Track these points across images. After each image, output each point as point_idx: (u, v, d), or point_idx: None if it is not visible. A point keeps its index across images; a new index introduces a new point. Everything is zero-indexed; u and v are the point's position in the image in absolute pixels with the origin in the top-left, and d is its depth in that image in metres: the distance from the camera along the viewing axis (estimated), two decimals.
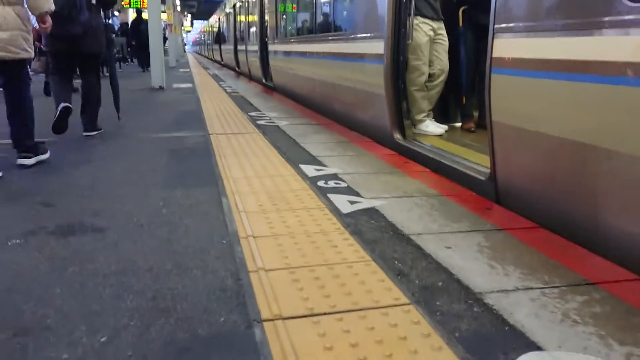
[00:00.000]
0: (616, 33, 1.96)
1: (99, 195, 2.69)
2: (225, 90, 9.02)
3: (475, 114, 4.78)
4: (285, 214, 2.35)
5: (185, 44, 58.20)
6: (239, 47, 15.24)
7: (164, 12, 25.43)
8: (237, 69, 16.56)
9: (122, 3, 25.20)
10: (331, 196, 2.63)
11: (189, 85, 10.21)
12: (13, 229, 2.16)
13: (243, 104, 6.95)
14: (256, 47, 11.39)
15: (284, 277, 1.69)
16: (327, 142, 4.21)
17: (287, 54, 8.05)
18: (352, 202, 2.53)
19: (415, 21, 4.16)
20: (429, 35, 4.35)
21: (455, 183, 3.00)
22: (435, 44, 4.45)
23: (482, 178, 2.96)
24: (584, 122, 2.16)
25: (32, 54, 3.26)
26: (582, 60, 2.13)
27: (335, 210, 2.42)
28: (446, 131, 4.56)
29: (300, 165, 3.32)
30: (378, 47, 4.21)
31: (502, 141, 2.73)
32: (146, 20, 13.68)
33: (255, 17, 11.44)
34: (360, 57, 4.64)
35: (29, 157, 3.26)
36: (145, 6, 19.43)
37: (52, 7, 3.20)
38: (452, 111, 5.03)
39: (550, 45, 2.31)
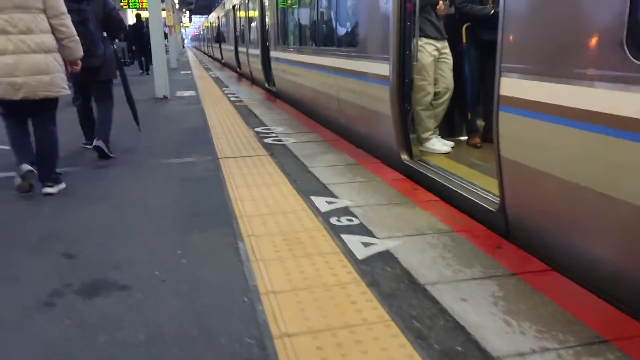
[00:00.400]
0: (619, 88, 2.00)
1: (117, 242, 2.76)
2: (228, 99, 9.05)
3: (481, 124, 4.84)
4: (301, 261, 2.40)
5: (184, 39, 58.05)
6: (239, 49, 15.23)
7: (164, 9, 25.40)
8: (238, 69, 16.56)
9: (121, 4, 25.19)
10: (345, 237, 2.68)
11: (193, 93, 10.25)
12: (39, 288, 2.23)
13: (248, 116, 6.99)
14: (257, 52, 11.40)
15: (308, 344, 1.75)
16: (335, 164, 4.26)
17: (290, 62, 8.07)
18: (366, 245, 2.58)
19: (420, 42, 4.19)
20: (433, 55, 4.38)
21: (464, 214, 3.05)
22: (439, 63, 4.47)
23: (492, 209, 3.01)
24: (589, 169, 2.21)
25: (68, 91, 3.78)
26: (586, 110, 2.17)
27: (350, 254, 2.47)
28: (452, 147, 4.60)
29: (311, 197, 3.37)
30: (383, 68, 4.24)
31: (511, 176, 2.77)
32: (146, 23, 13.68)
33: (256, 21, 11.43)
34: (365, 76, 4.67)
35: (52, 187, 3.66)
36: (144, 6, 19.43)
37: (82, 54, 3.76)
38: (457, 125, 5.06)
39: (556, 91, 2.35)
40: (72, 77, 4.17)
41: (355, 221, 2.93)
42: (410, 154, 4.27)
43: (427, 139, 4.52)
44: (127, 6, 24.36)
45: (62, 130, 3.87)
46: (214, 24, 26.13)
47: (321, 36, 6.49)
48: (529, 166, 2.60)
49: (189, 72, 17.19)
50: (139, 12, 20.18)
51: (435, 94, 4.50)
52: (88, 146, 5.06)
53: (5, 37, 3.29)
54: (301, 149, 4.86)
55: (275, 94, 9.95)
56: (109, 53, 4.76)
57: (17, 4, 3.30)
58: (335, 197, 3.38)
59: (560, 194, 2.42)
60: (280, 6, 8.81)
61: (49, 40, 3.47)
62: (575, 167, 2.30)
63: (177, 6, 29.66)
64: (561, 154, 2.39)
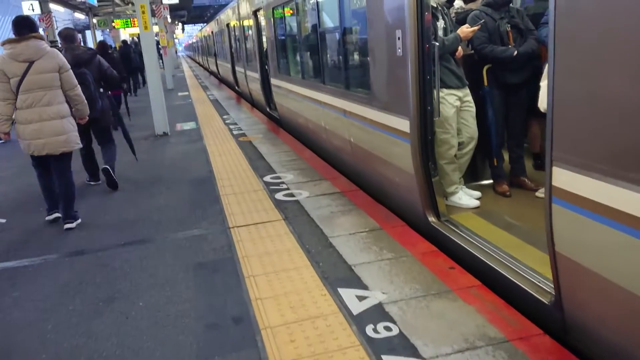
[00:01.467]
0: None
1: None
2: (231, 132, 8.72)
3: (507, 167, 4.53)
4: None
5: (177, 50, 57.78)
6: (237, 68, 14.90)
7: (156, 25, 25.04)
8: (236, 87, 16.24)
9: (113, 24, 24.90)
10: (387, 359, 2.36)
11: (193, 125, 9.92)
12: None
13: (254, 158, 6.66)
14: (257, 75, 11.06)
15: None
16: (357, 230, 3.93)
17: (293, 94, 7.73)
18: None
19: (441, 94, 3.86)
20: (455, 106, 4.05)
21: (515, 310, 2.72)
22: (462, 112, 4.14)
23: (545, 301, 2.69)
24: None
25: (81, 145, 4.79)
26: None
27: None
28: (479, 199, 4.28)
29: (339, 289, 3.05)
30: (403, 124, 3.91)
31: (568, 274, 2.45)
32: (133, 45, 13.23)
33: (254, 43, 11.09)
34: (383, 127, 4.33)
35: (72, 222, 4.59)
36: (136, 25, 19.07)
37: (89, 112, 4.84)
38: (480, 168, 4.73)
39: (619, 195, 2.03)
40: (76, 125, 4.83)
41: (394, 330, 2.60)
42: (437, 214, 3.95)
43: (453, 193, 4.20)
44: (119, 26, 24.11)
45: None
46: (208, 38, 25.76)
47: (329, 72, 6.15)
48: (589, 269, 2.28)
49: (187, 93, 16.86)
50: (127, 36, 19.81)
51: (459, 144, 4.17)
52: (92, 182, 6.05)
53: (32, 109, 4.32)
54: (316, 207, 4.53)
55: (278, 122, 9.62)
56: (105, 105, 5.66)
57: (40, 85, 4.31)
58: (366, 287, 3.06)
59: (624, 302, 2.11)
60: (278, 32, 8.46)
61: (64, 108, 4.50)
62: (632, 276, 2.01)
63: (169, 20, 29.33)
64: (626, 264, 2.07)
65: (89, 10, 26.77)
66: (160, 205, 5.08)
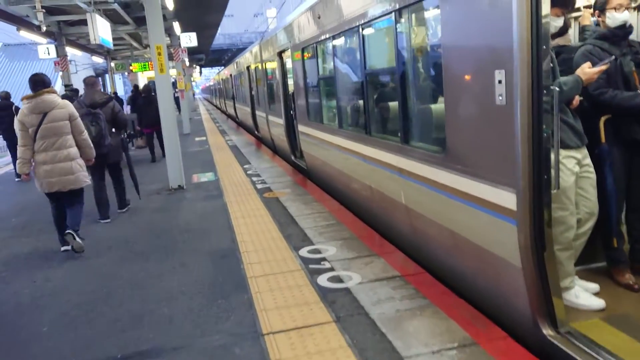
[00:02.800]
0: None
1: None
2: (254, 186, 7.72)
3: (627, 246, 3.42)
4: None
5: (194, 93, 58.10)
6: (257, 112, 14.08)
7: (173, 69, 24.68)
8: (255, 132, 15.41)
9: (130, 67, 24.61)
10: None
11: (212, 176, 8.95)
12: None
13: (285, 222, 5.61)
14: (281, 121, 10.16)
15: None
16: (443, 347, 2.82)
17: (327, 144, 6.75)
18: None
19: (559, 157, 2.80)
20: (575, 172, 2.99)
21: None
22: (580, 179, 3.07)
23: None
24: None
25: (89, 182, 5.37)
26: None
27: None
28: (597, 294, 3.16)
29: None
30: (506, 198, 2.84)
31: None
32: (144, 92, 12.33)
33: (278, 86, 10.24)
34: (466, 198, 3.27)
35: (76, 238, 5.07)
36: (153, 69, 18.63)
37: (94, 154, 5.42)
38: (591, 249, 3.60)
39: None
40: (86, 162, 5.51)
41: None
42: (554, 323, 2.82)
43: (567, 288, 3.09)
44: (136, 70, 23.77)
45: None
46: (227, 81, 25.27)
47: (378, 122, 5.15)
48: None
49: (204, 138, 16.06)
50: (144, 80, 19.35)
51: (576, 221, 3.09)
52: (103, 220, 6.39)
53: (46, 153, 4.96)
54: (375, 302, 3.43)
55: (305, 173, 8.62)
56: (115, 142, 6.42)
57: (53, 132, 4.97)
58: None
59: None
60: (309, 73, 7.54)
61: (73, 151, 5.11)
62: None
63: (187, 63, 29.10)
64: None
65: (107, 54, 26.62)
66: (172, 290, 4.01)
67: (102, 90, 6.93)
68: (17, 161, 5.11)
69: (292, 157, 9.88)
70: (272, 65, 10.80)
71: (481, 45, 2.95)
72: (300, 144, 8.73)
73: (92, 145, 5.37)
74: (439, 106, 3.75)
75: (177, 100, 27.73)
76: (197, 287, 4.02)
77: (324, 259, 4.34)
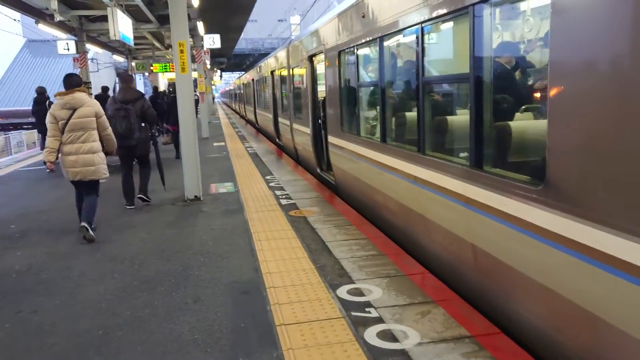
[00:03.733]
0: None
1: None
2: (278, 201, 6.95)
3: None
4: None
5: (214, 97, 57.83)
6: (280, 119, 13.37)
7: (195, 71, 24.14)
8: (277, 140, 14.70)
9: (151, 68, 24.14)
10: None
11: (231, 187, 8.21)
12: None
13: (315, 245, 4.84)
14: (307, 130, 9.41)
15: None
16: None
17: (364, 159, 5.96)
18: None
19: None
20: None
21: None
22: None
23: None
24: None
25: (108, 175, 5.77)
26: None
27: None
28: None
29: None
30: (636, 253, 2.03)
31: None
32: (172, 90, 12.00)
33: (305, 92, 9.51)
34: (578, 249, 2.45)
35: (88, 229, 5.47)
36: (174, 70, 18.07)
37: (116, 147, 5.97)
38: None
39: None
40: (117, 151, 6.19)
41: None
42: None
43: None
44: (157, 70, 23.28)
45: None
46: (248, 86, 24.65)
47: (436, 139, 4.36)
48: None
49: (223, 143, 15.38)
50: (165, 82, 18.78)
51: None
52: (128, 206, 6.94)
53: (72, 145, 5.48)
54: None
55: (333, 188, 7.84)
56: (143, 136, 6.76)
57: (81, 127, 5.50)
58: None
59: None
60: (346, 80, 6.78)
61: (96, 145, 5.59)
62: None
63: (208, 65, 28.60)
64: None
65: (129, 53, 26.21)
66: (182, 337, 3.23)
67: (136, 88, 7.41)
68: (45, 150, 5.66)
69: (318, 170, 9.11)
70: (301, 70, 10.07)
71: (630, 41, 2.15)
72: (328, 157, 7.96)
73: (114, 140, 5.90)
74: (533, 124, 2.95)
75: (196, 102, 27.31)
76: (213, 335, 3.24)
77: (368, 304, 3.54)
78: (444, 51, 4.26)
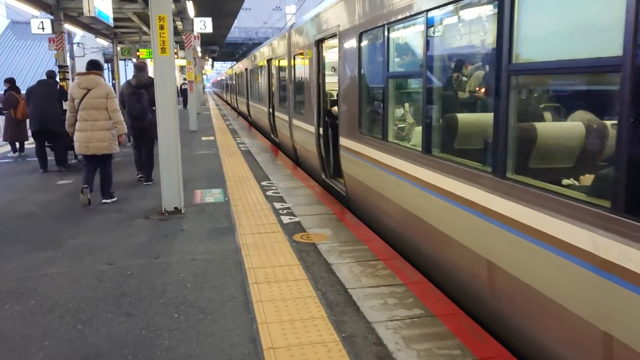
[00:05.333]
0: None
1: None
2: (279, 218, 5.57)
3: None
4: None
5: (204, 86, 56.07)
6: (277, 114, 11.95)
7: (183, 59, 22.50)
8: (272, 136, 13.29)
9: (138, 53, 22.55)
10: None
11: (220, 196, 6.80)
12: None
13: (335, 296, 3.48)
14: (311, 129, 8.02)
15: None
16: None
17: (393, 171, 4.60)
18: None
19: None
20: None
21: None
22: None
23: None
24: None
25: (118, 150, 6.52)
26: None
27: None
28: None
29: None
30: None
31: None
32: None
33: (310, 82, 8.12)
34: None
35: (109, 199, 6.50)
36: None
37: (126, 131, 6.61)
38: None
39: None
40: (130, 132, 7.48)
41: None
42: None
43: None
44: (143, 56, 21.69)
45: None
46: (241, 76, 23.11)
47: (525, 154, 3.00)
48: None
49: (212, 138, 13.91)
50: (151, 70, 17.26)
51: None
52: (141, 178, 7.89)
53: (85, 122, 6.15)
54: None
55: (343, 200, 6.48)
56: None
57: (93, 106, 6.16)
58: None
59: None
60: (369, 69, 5.40)
61: (108, 123, 6.25)
62: None
63: (199, 53, 26.98)
64: None
65: (114, 37, 24.55)
66: None
67: (149, 74, 7.72)
68: (66, 123, 6.45)
69: (323, 176, 7.74)
70: (305, 57, 8.66)
71: None
72: (339, 162, 6.58)
73: (123, 122, 6.43)
74: None
75: (185, 92, 25.69)
76: None
77: None
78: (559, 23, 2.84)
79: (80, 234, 5.20)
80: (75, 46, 28.04)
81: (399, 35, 4.69)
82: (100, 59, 43.93)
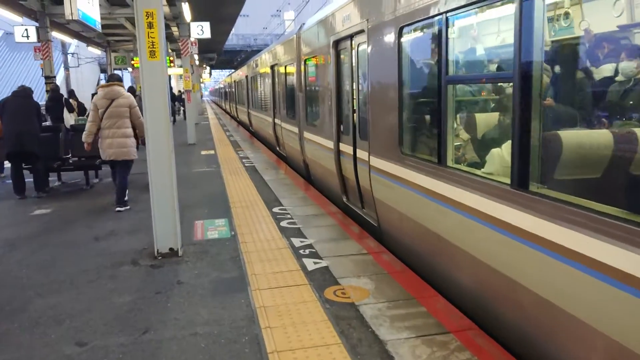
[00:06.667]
0: None
1: None
2: (302, 265, 4.42)
3: None
4: None
5: (202, 95, 54.98)
6: (283, 125, 10.83)
7: (180, 68, 21.41)
8: (277, 148, 12.17)
9: (132, 62, 21.47)
10: None
11: (225, 230, 5.64)
12: None
13: None
14: (329, 144, 6.89)
15: None
16: None
17: (455, 206, 3.45)
18: None
19: None
20: None
21: None
22: None
23: None
24: None
25: (136, 156, 6.87)
26: None
27: None
28: None
29: None
30: None
31: None
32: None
33: (326, 91, 7.00)
34: None
35: (122, 207, 6.75)
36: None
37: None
38: None
39: None
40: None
41: None
42: None
43: None
44: (138, 65, 20.63)
45: None
46: (241, 84, 22.00)
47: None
48: None
49: (212, 151, 12.77)
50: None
51: None
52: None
53: (109, 130, 6.63)
54: None
55: (374, 232, 5.33)
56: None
57: (117, 115, 6.66)
58: None
59: None
60: (412, 70, 4.28)
61: (129, 131, 6.76)
62: None
63: (196, 60, 25.88)
64: None
65: (107, 45, 23.47)
66: None
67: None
68: (84, 132, 6.79)
69: (344, 199, 6.60)
70: (318, 61, 7.54)
71: None
72: (370, 187, 5.43)
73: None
74: None
75: (182, 101, 24.55)
76: None
77: None
78: None
79: (50, 290, 4.05)
80: (69, 56, 26.94)
81: (468, 24, 3.54)
82: (96, 68, 42.80)
